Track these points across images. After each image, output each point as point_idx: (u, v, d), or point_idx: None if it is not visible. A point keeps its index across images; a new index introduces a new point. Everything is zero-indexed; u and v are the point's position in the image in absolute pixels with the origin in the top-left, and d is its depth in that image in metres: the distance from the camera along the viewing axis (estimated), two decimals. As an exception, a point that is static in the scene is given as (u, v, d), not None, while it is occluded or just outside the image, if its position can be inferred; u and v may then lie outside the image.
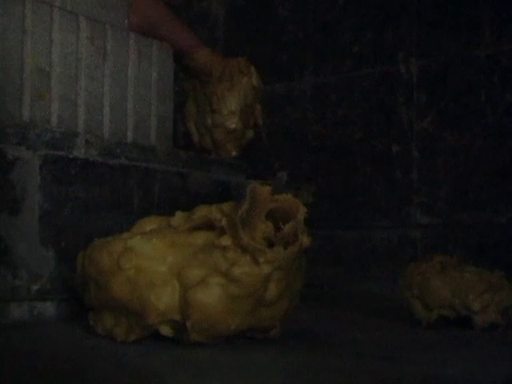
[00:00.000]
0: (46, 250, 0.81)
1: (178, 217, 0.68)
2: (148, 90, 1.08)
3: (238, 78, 1.14)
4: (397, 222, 1.36)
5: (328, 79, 1.46)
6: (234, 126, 1.14)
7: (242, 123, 1.15)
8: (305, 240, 0.63)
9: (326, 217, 1.39)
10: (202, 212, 0.67)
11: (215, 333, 0.63)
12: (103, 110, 1.01)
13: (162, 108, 1.11)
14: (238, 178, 1.10)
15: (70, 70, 0.98)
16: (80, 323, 0.73)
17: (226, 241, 0.62)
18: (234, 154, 1.16)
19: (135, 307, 0.63)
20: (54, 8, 0.97)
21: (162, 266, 0.63)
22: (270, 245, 0.62)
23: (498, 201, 1.26)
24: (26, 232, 0.79)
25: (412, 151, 1.36)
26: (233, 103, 1.13)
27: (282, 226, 0.63)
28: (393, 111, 1.38)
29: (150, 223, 0.70)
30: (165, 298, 0.62)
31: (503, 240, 1.25)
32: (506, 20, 1.28)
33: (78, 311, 0.77)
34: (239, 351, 0.63)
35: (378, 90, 1.40)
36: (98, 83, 1.01)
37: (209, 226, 0.66)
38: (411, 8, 1.38)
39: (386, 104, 1.39)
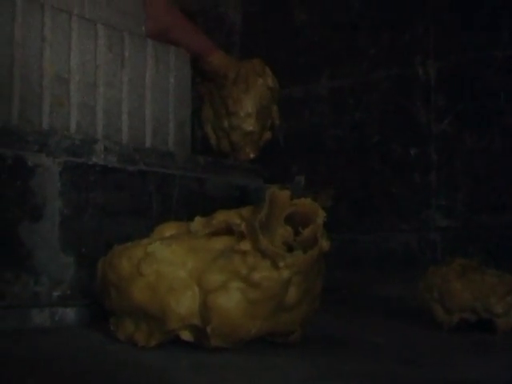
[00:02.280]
0: (67, 255, 0.82)
1: (197, 222, 0.68)
2: (166, 96, 1.09)
3: (253, 79, 1.14)
4: (416, 225, 1.35)
5: (345, 82, 1.46)
6: (250, 127, 1.14)
7: (258, 125, 1.15)
8: (324, 244, 0.63)
9: (344, 220, 1.39)
10: (221, 217, 0.67)
11: (235, 337, 0.63)
12: (121, 117, 1.02)
13: (180, 113, 1.11)
14: (255, 182, 1.10)
15: (89, 77, 0.98)
16: (101, 328, 0.73)
17: (245, 246, 0.62)
18: (251, 156, 1.16)
19: (155, 312, 0.64)
20: (72, 16, 0.98)
21: (181, 271, 0.63)
22: (290, 249, 0.62)
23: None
24: (46, 238, 0.80)
25: (430, 154, 1.35)
26: (249, 105, 1.13)
27: (302, 230, 0.63)
28: (410, 114, 1.38)
29: (169, 229, 0.70)
30: (185, 303, 0.62)
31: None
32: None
33: (98, 317, 0.77)
34: (259, 356, 0.63)
35: (395, 92, 1.40)
36: (117, 90, 1.02)
37: (228, 230, 0.66)
38: (428, 9, 1.37)
39: (404, 107, 1.38)
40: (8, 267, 0.76)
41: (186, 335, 0.64)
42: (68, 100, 0.96)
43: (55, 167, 0.82)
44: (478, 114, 1.30)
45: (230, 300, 0.61)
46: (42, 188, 0.80)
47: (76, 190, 0.83)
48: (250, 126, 1.13)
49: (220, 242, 0.65)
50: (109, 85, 1.01)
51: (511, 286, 0.83)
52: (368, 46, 1.43)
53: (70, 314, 0.82)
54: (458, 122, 1.32)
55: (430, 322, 0.85)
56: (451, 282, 0.84)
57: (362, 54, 1.44)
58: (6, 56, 0.89)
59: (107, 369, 0.56)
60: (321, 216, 0.63)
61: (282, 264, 0.61)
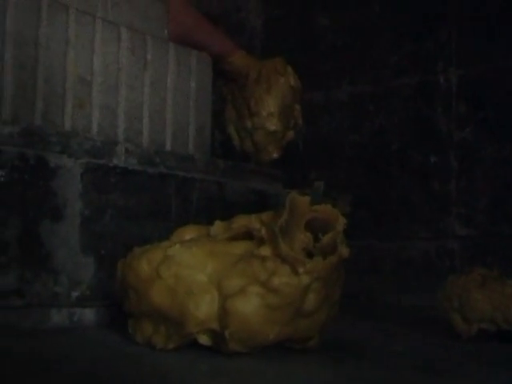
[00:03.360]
0: (86, 256, 0.82)
1: (217, 226, 0.68)
2: (187, 100, 1.09)
3: (275, 78, 1.13)
4: (435, 233, 1.34)
5: (365, 88, 1.45)
6: (273, 127, 1.13)
7: (281, 124, 1.14)
8: (344, 251, 0.63)
9: (362, 227, 1.38)
10: (241, 221, 0.67)
11: (253, 342, 0.63)
12: (143, 120, 1.02)
13: (201, 117, 1.11)
14: (274, 187, 1.10)
15: (111, 79, 0.99)
16: (119, 330, 0.73)
17: (265, 251, 0.62)
18: (275, 155, 1.15)
19: (174, 315, 0.64)
20: (96, 19, 0.98)
21: (201, 274, 0.63)
22: (309, 255, 0.62)
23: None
24: (66, 239, 0.80)
25: (450, 162, 1.34)
26: (271, 105, 1.13)
27: (321, 237, 0.62)
28: (431, 121, 1.37)
29: (188, 232, 0.70)
30: (204, 307, 0.62)
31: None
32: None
33: (117, 318, 0.77)
34: (277, 361, 0.63)
35: (416, 99, 1.39)
36: (138, 93, 1.02)
37: (248, 235, 0.66)
38: (450, 17, 1.36)
39: (424, 114, 1.38)
40: (28, 266, 0.77)
41: (204, 339, 0.64)
42: (90, 102, 0.96)
43: (76, 168, 0.82)
44: (499, 122, 1.29)
45: (249, 305, 0.61)
46: (63, 189, 0.80)
47: (96, 192, 0.83)
48: (272, 125, 1.13)
49: (240, 247, 0.65)
50: (131, 87, 1.01)
51: None
52: (389, 52, 1.43)
53: (88, 314, 0.82)
54: (478, 130, 1.31)
55: (448, 331, 0.85)
56: (471, 291, 0.84)
57: (383, 60, 1.43)
58: (31, 57, 0.90)
59: (124, 371, 0.56)
60: (341, 223, 0.63)
61: (301, 270, 0.61)
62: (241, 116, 1.16)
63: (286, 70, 1.14)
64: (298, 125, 1.18)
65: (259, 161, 1.16)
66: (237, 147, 1.18)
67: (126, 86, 1.00)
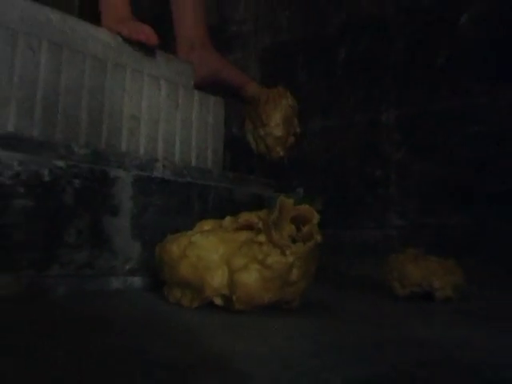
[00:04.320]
0: (135, 241, 0.80)
1: (227, 220, 0.66)
2: (206, 131, 1.07)
3: (279, 100, 1.13)
4: (380, 224, 1.32)
5: (333, 122, 1.43)
6: (280, 133, 1.12)
7: (285, 131, 1.13)
8: (318, 238, 0.61)
9: (331, 220, 1.36)
10: (244, 217, 0.64)
11: (253, 304, 0.60)
12: (175, 144, 1.01)
13: (216, 143, 1.10)
14: (268, 192, 1.08)
15: (154, 116, 0.97)
16: (157, 293, 0.71)
17: (261, 238, 0.60)
18: (281, 154, 1.14)
19: (196, 284, 0.61)
20: (144, 74, 0.97)
21: (215, 255, 0.61)
22: (293, 241, 0.60)
23: (451, 208, 1.22)
24: (121, 228, 0.78)
25: (391, 175, 1.32)
26: (277, 118, 1.11)
27: (302, 228, 0.60)
28: (377, 146, 1.35)
29: (206, 224, 0.68)
30: (217, 279, 0.60)
31: (455, 236, 1.21)
32: (455, 77, 1.23)
33: (156, 284, 0.75)
34: (270, 317, 0.60)
35: (367, 130, 1.37)
36: (172, 126, 1.00)
37: (249, 227, 0.63)
38: (391, 72, 1.34)
39: (373, 141, 1.36)
40: (96, 247, 0.75)
41: (218, 301, 0.62)
42: (139, 132, 0.94)
43: (128, 179, 0.80)
44: (424, 147, 1.28)
45: (250, 277, 0.59)
46: (119, 193, 0.78)
47: (142, 195, 0.81)
48: (279, 132, 1.12)
49: (243, 235, 0.62)
50: (167, 122, 0.99)
51: (446, 268, 0.82)
52: (349, 96, 1.41)
53: (136, 281, 0.80)
54: (410, 152, 1.30)
55: (389, 293, 0.83)
56: (406, 265, 0.83)
57: (344, 102, 1.42)
58: (99, 101, 0.88)
59: (159, 322, 0.54)
60: (316, 218, 0.61)
61: (288, 252, 0.58)
62: (256, 127, 1.15)
63: (287, 94, 1.13)
64: (296, 132, 1.17)
65: (271, 159, 1.15)
66: (254, 150, 1.17)
67: (163, 121, 0.99)
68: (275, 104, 1.13)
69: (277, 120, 1.11)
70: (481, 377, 0.37)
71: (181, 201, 0.87)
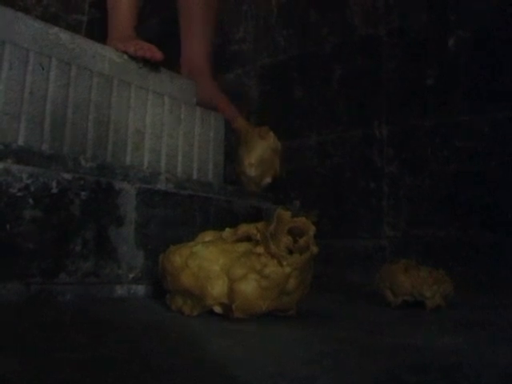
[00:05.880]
0: (139, 250, 0.80)
1: (227, 232, 0.67)
2: (207, 145, 1.08)
3: (256, 141, 1.11)
4: (372, 235, 1.33)
5: (328, 137, 1.44)
6: (253, 174, 1.11)
7: (259, 172, 1.11)
8: (314, 249, 0.61)
9: (325, 231, 1.37)
10: (243, 229, 0.65)
11: (252, 312, 0.61)
12: (178, 158, 1.01)
13: (216, 157, 1.10)
14: (266, 204, 1.08)
15: (157, 131, 0.98)
16: (160, 301, 0.71)
17: (260, 249, 0.60)
18: (256, 190, 1.13)
19: (197, 293, 0.62)
20: (148, 91, 0.98)
21: (215, 265, 0.61)
22: (290, 252, 0.60)
23: (441, 220, 1.23)
24: (126, 238, 0.79)
25: (383, 187, 1.33)
26: (252, 158, 1.10)
27: (298, 239, 0.61)
28: (370, 160, 1.36)
29: (207, 235, 0.68)
30: (217, 288, 0.60)
31: (444, 247, 1.21)
32: (444, 96, 1.25)
33: (159, 292, 0.75)
34: (268, 324, 0.61)
35: (361, 145, 1.38)
36: (175, 140, 1.01)
37: (248, 238, 0.64)
38: (383, 90, 1.36)
39: (366, 155, 1.37)
40: (102, 257, 0.75)
41: (218, 309, 0.62)
42: (143, 146, 0.95)
43: (133, 191, 0.81)
44: (415, 161, 1.29)
45: (249, 287, 0.59)
46: (123, 204, 0.79)
47: (146, 207, 0.82)
48: (252, 172, 1.11)
49: (242, 246, 0.63)
50: (170, 136, 1.00)
51: (436, 278, 0.82)
52: (343, 113, 1.42)
53: (140, 289, 0.80)
54: (401, 166, 1.31)
55: (381, 301, 0.83)
56: (397, 275, 0.82)
57: (339, 118, 1.43)
58: (106, 116, 0.89)
59: (161, 328, 0.55)
60: (312, 230, 0.61)
61: (285, 263, 0.59)
62: (236, 162, 1.14)
63: (269, 135, 1.12)
64: (276, 172, 1.15)
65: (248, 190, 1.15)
66: (237, 180, 1.17)
67: (166, 135, 1.00)
68: (253, 144, 1.11)
69: (251, 160, 1.10)
70: (467, 381, 0.38)
71: (183, 212, 0.88)
